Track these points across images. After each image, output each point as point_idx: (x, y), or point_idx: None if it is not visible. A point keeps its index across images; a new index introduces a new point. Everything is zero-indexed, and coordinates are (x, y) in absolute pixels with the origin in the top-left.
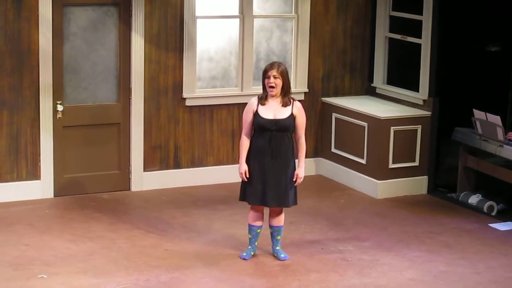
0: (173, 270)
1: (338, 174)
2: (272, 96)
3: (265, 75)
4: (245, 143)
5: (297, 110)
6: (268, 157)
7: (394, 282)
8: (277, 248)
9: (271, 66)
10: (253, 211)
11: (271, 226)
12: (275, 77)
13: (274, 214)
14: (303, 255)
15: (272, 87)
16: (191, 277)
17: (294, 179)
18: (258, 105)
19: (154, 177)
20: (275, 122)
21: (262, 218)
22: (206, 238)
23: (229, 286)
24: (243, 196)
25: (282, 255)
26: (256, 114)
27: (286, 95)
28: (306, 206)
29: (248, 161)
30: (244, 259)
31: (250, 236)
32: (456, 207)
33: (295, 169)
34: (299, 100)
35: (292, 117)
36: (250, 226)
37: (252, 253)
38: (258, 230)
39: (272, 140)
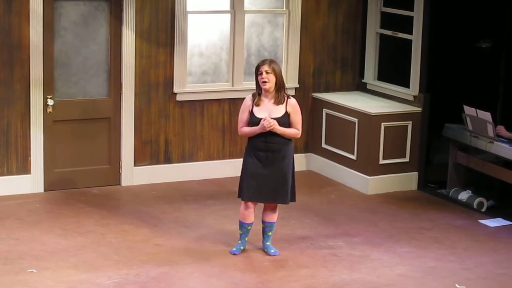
0: (163, 265)
1: (329, 169)
2: (266, 90)
3: (258, 71)
4: (244, 128)
5: (291, 107)
6: (264, 155)
7: (384, 277)
8: (268, 243)
9: (263, 62)
10: (244, 208)
11: (264, 222)
12: (267, 72)
13: (268, 210)
14: (293, 250)
15: (265, 82)
16: (181, 272)
17: (268, 125)
18: (252, 105)
19: (144, 172)
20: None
21: (253, 216)
22: (196, 233)
23: (220, 281)
24: (239, 194)
25: (272, 251)
26: (251, 114)
27: (279, 91)
28: (296, 202)
29: (244, 159)
30: (234, 254)
31: (240, 232)
32: (446, 203)
33: (293, 167)
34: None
35: (286, 115)
36: (241, 223)
37: (242, 248)
38: (249, 227)
39: (267, 139)
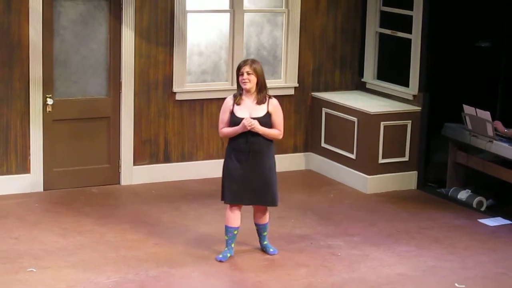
0: (162, 264)
1: (328, 169)
2: (247, 90)
3: (239, 72)
4: (225, 129)
5: (273, 107)
6: (245, 156)
7: (383, 277)
8: (265, 243)
9: (244, 62)
10: (229, 212)
11: (256, 224)
12: (248, 73)
13: (259, 212)
14: (292, 249)
15: (246, 82)
16: (181, 271)
17: (249, 125)
18: (233, 104)
19: (144, 171)
20: None
21: (238, 219)
22: (195, 232)
23: (218, 280)
24: (222, 196)
25: (271, 250)
26: (232, 114)
27: (260, 91)
28: (295, 201)
29: (226, 161)
30: (221, 261)
31: (226, 238)
32: (445, 203)
33: (274, 168)
34: (288, 95)
35: (268, 115)
36: (226, 228)
37: (229, 255)
38: (235, 232)
39: (249, 139)
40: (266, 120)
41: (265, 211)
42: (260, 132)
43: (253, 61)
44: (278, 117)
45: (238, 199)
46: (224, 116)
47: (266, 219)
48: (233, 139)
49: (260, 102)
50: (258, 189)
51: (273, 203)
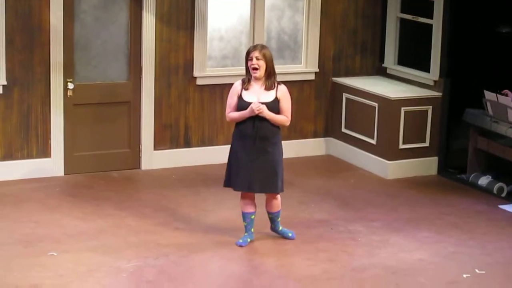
0: (182, 249)
1: (348, 154)
2: (256, 78)
3: (248, 57)
4: (232, 113)
5: (281, 93)
6: (252, 142)
7: (403, 262)
8: (280, 228)
9: (253, 48)
10: (243, 198)
11: (268, 212)
12: (257, 59)
13: (270, 200)
14: (312, 234)
15: (255, 68)
16: (201, 256)
17: (257, 109)
18: (242, 89)
19: (164, 155)
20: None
21: (253, 204)
22: (215, 217)
23: (238, 265)
24: (228, 182)
25: (290, 234)
26: (239, 98)
27: (269, 77)
28: (315, 186)
29: (232, 147)
30: (241, 246)
31: (245, 224)
32: (466, 188)
33: (281, 155)
34: (309, 80)
35: (276, 101)
36: (243, 214)
37: (249, 240)
38: (252, 217)
39: (255, 124)
40: (274, 106)
41: (276, 198)
42: (267, 117)
43: (263, 47)
44: (286, 103)
45: (246, 186)
46: (231, 100)
47: (278, 206)
48: (239, 123)
49: (268, 87)
50: (264, 175)
51: (277, 189)
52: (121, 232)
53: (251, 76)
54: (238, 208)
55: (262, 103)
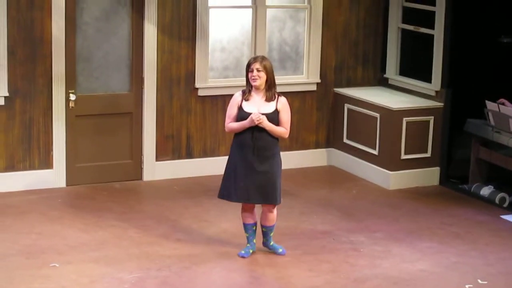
0: (184, 260)
1: (350, 164)
2: (256, 87)
3: (248, 68)
4: (232, 123)
5: (282, 105)
6: (250, 153)
7: (405, 273)
8: (271, 243)
9: (254, 59)
10: (243, 209)
11: (263, 226)
12: (258, 70)
13: (266, 213)
14: (315, 245)
15: (255, 79)
16: (203, 267)
17: (257, 119)
18: (242, 100)
19: (166, 166)
20: None
21: (254, 215)
22: (217, 228)
23: (240, 276)
24: (223, 194)
25: (280, 250)
26: (240, 108)
27: (270, 89)
28: (317, 197)
29: (230, 157)
30: (243, 257)
31: (247, 235)
32: (468, 199)
33: (280, 166)
34: (310, 91)
35: (276, 112)
36: (244, 225)
37: (251, 251)
38: (254, 228)
39: (254, 135)
40: (274, 117)
41: (272, 211)
42: (267, 128)
43: (263, 58)
44: (285, 115)
45: (244, 197)
46: (231, 111)
47: (273, 220)
48: (238, 134)
49: (269, 99)
50: (262, 186)
51: (276, 201)
52: (123, 243)
53: (251, 87)
54: (239, 219)
55: (262, 114)
